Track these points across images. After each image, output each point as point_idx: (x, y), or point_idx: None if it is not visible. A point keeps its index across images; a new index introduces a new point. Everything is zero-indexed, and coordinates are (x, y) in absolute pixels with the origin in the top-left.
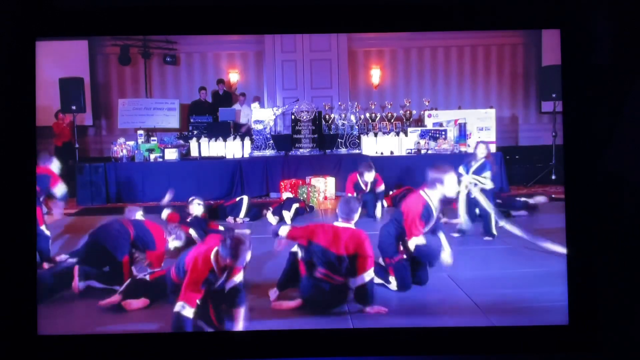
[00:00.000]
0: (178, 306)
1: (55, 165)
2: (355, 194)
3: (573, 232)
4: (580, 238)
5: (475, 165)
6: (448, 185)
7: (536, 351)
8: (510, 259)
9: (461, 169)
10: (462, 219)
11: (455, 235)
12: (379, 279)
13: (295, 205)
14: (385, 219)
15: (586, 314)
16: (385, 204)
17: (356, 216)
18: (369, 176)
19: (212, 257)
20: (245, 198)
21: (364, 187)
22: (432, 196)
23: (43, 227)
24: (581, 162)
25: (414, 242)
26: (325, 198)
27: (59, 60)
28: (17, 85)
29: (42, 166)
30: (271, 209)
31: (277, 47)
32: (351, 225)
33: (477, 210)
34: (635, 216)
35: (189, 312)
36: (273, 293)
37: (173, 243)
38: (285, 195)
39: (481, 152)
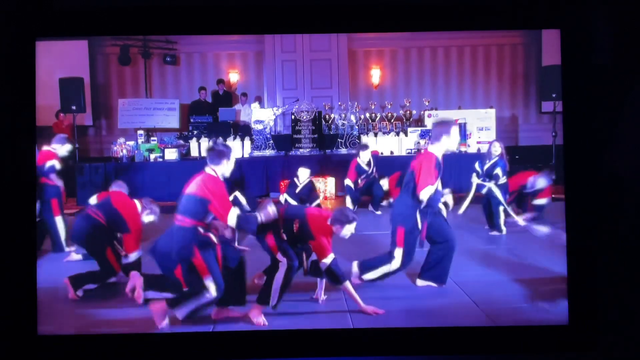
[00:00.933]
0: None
1: (64, 148)
2: (357, 177)
3: (573, 232)
4: (580, 238)
5: (489, 163)
6: (453, 136)
7: (536, 351)
8: (510, 258)
9: (477, 166)
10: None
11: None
12: (372, 275)
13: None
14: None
15: (586, 314)
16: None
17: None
18: (366, 154)
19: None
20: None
21: (365, 167)
22: (438, 150)
23: (59, 218)
24: (581, 162)
25: (427, 192)
26: (325, 198)
27: (59, 60)
28: (17, 85)
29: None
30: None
31: (277, 47)
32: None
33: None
34: (635, 216)
35: (236, 213)
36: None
37: (147, 218)
38: (302, 171)
39: (495, 150)
